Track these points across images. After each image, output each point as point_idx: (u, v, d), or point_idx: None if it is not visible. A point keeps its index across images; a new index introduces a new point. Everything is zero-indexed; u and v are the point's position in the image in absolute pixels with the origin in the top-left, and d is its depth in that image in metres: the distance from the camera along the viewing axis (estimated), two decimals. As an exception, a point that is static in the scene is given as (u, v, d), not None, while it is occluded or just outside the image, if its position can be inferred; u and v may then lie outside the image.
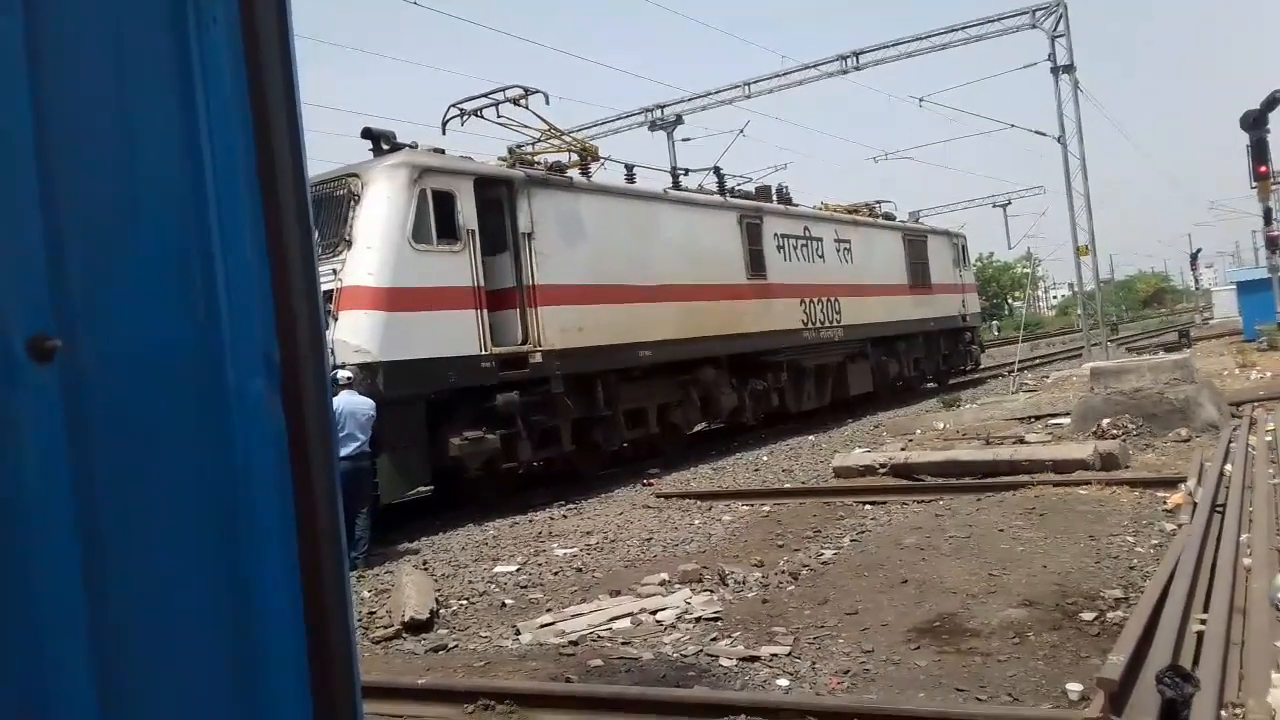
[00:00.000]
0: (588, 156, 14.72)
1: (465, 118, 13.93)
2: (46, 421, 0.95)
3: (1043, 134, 28.47)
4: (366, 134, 12.02)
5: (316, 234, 10.17)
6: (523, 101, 13.71)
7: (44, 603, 0.95)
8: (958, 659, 5.05)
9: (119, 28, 1.11)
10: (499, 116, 13.85)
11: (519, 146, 15.31)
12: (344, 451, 8.99)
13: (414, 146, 12.15)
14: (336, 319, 10.48)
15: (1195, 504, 7.27)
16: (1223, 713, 3.75)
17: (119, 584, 1.03)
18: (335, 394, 9.17)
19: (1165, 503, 8.04)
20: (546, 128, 14.25)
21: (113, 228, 1.08)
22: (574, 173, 14.26)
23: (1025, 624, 5.42)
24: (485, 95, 13.80)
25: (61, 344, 0.97)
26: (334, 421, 1.40)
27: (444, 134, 14.01)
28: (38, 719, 0.94)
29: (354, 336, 10.47)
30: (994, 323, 66.71)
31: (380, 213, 11.06)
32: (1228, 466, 8.71)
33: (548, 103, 13.86)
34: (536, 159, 14.24)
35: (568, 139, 14.52)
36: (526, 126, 14.21)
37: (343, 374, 9.57)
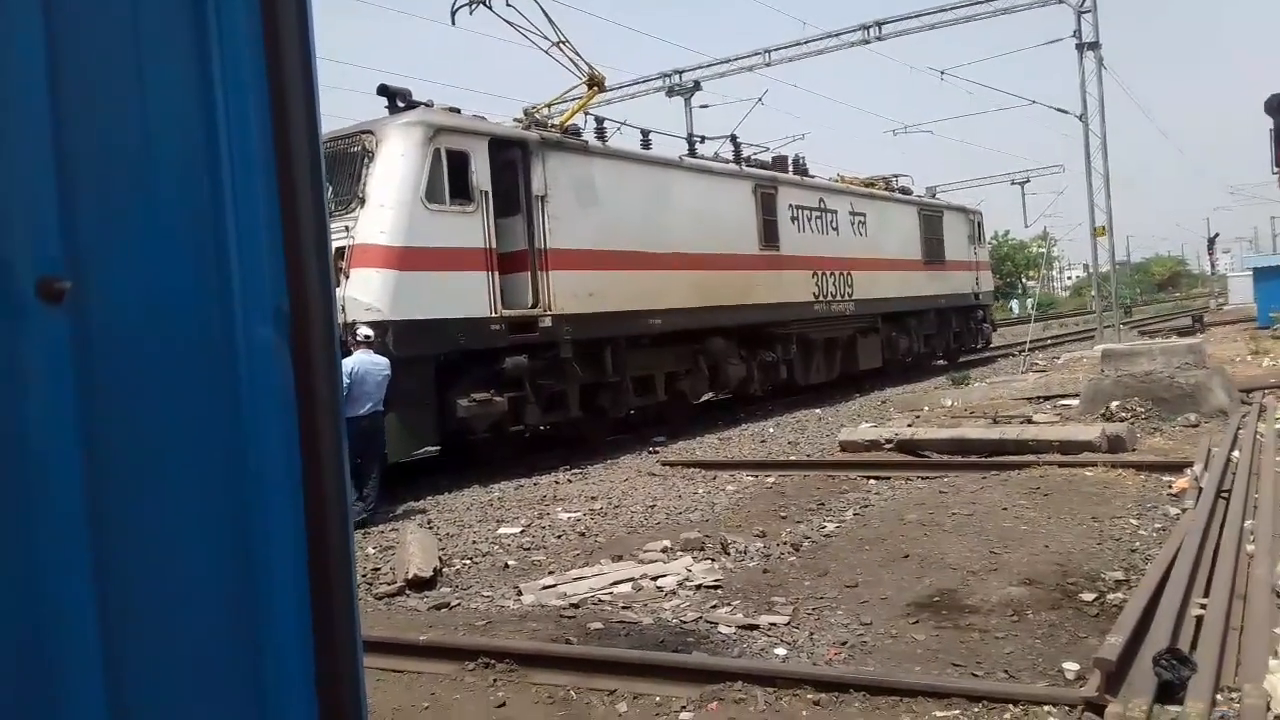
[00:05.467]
0: (595, 85, 14.48)
1: (473, 7, 13.60)
2: (54, 363, 0.96)
3: (1064, 111, 28.21)
4: (382, 91, 11.93)
5: (330, 189, 10.03)
6: None
7: (47, 543, 0.96)
8: (956, 634, 5.08)
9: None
10: (508, 4, 13.34)
11: (533, 108, 15.13)
12: (360, 410, 9.01)
13: (429, 105, 12.07)
14: (348, 276, 10.48)
15: (1201, 489, 7.27)
16: (1219, 696, 3.77)
17: (123, 526, 1.03)
18: (352, 352, 9.17)
19: (1170, 487, 8.04)
20: (557, 38, 13.78)
21: (126, 173, 1.08)
22: (589, 130, 14.05)
23: (1024, 602, 5.44)
24: None
25: (71, 285, 0.97)
26: (341, 377, 1.40)
27: (453, 24, 13.77)
28: (38, 657, 0.95)
29: (365, 294, 10.48)
30: (1013, 303, 66.03)
31: (394, 171, 11.02)
32: (1235, 453, 8.70)
33: None
34: (551, 122, 14.11)
35: (581, 61, 14.14)
36: (538, 32, 13.60)
37: (363, 330, 9.53)
